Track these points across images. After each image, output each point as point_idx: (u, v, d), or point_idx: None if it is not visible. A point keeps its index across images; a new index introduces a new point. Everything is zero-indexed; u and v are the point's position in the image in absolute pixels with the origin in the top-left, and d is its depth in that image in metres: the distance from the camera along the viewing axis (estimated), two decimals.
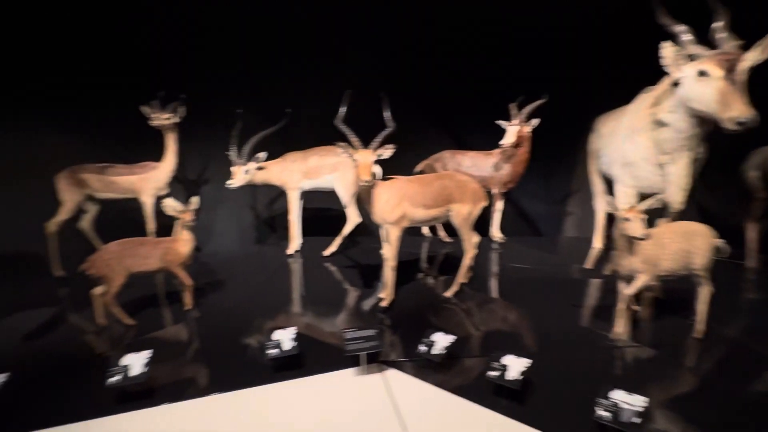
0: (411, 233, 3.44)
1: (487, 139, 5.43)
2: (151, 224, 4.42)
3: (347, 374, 2.71)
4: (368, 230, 5.47)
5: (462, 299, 3.66)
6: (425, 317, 3.43)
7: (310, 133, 5.02)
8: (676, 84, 3.00)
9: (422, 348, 2.67)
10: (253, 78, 5.24)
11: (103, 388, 2.40)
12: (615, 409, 1.93)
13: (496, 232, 5.08)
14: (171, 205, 3.26)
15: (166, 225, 4.51)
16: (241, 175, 4.27)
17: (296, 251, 4.83)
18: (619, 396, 1.97)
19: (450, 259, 4.72)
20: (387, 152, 3.07)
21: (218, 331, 3.26)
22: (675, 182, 3.33)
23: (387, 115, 3.23)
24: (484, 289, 3.96)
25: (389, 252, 3.42)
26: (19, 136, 4.72)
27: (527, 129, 4.46)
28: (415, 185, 3.30)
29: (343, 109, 3.24)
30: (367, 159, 2.98)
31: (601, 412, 1.95)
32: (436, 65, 5.65)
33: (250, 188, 6.03)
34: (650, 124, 3.38)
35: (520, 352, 2.45)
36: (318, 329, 3.27)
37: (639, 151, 3.53)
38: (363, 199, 3.21)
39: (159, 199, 4.45)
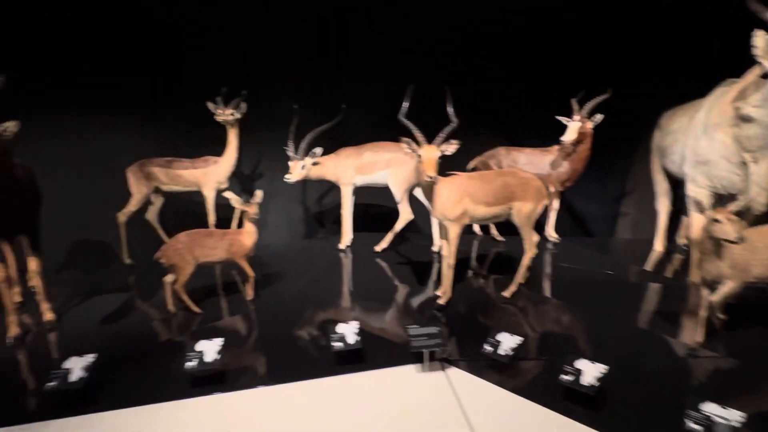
0: (463, 231, 3.39)
1: (542, 135, 5.29)
2: (212, 216, 4.59)
3: (409, 370, 2.71)
4: (419, 227, 5.46)
5: (520, 300, 3.58)
6: (484, 317, 3.38)
7: (364, 128, 5.06)
8: (766, 76, 2.80)
9: (487, 348, 2.63)
10: (308, 74, 5.30)
11: (180, 371, 2.52)
12: (708, 422, 1.83)
13: (551, 231, 4.94)
14: (236, 199, 3.37)
15: (224, 218, 4.71)
16: (298, 170, 4.35)
17: (347, 246, 4.88)
18: (712, 409, 1.86)
19: (502, 258, 4.62)
20: (451, 148, 3.04)
21: (278, 322, 3.35)
22: (759, 182, 3.12)
23: (450, 110, 3.20)
24: (541, 289, 3.85)
25: (447, 249, 3.39)
26: (95, 133, 5.00)
27: (590, 125, 4.30)
28: (477, 182, 3.25)
29: (406, 104, 3.23)
30: (431, 155, 2.96)
31: (693, 426, 1.84)
32: (486, 58, 5.54)
33: (300, 183, 6.15)
34: (732, 120, 3.17)
35: (593, 358, 2.36)
36: (375, 324, 3.28)
37: (716, 148, 3.33)
38: (426, 196, 3.19)
39: (219, 193, 4.65)
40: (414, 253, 4.78)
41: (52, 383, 2.33)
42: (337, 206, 6.17)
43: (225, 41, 5.17)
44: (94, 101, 4.92)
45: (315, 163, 4.47)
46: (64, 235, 4.87)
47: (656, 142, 4.60)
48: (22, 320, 3.35)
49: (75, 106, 4.91)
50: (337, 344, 2.71)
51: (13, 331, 3.03)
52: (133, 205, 4.47)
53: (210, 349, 2.58)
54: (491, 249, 4.87)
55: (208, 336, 2.70)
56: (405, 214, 4.63)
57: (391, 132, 4.77)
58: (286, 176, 4.35)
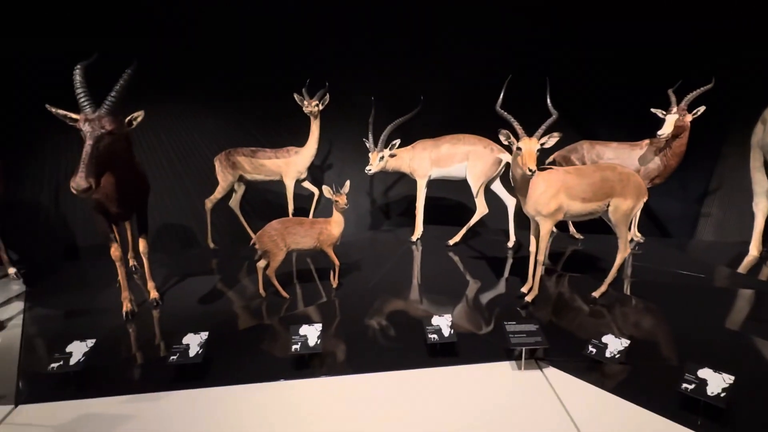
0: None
1: (626, 128, 5.02)
2: (291, 205, 4.74)
3: (503, 367, 2.68)
4: (490, 222, 5.36)
5: (609, 300, 3.45)
6: (573, 317, 3.28)
7: (439, 121, 5.02)
8: None
9: (591, 349, 2.55)
10: (384, 65, 5.30)
11: (287, 353, 2.63)
12: None
13: (635, 231, 4.71)
14: (327, 189, 3.44)
15: (299, 207, 4.85)
16: (377, 161, 4.38)
17: (417, 239, 4.89)
18: None
19: (580, 256, 4.47)
20: (551, 140, 2.95)
21: (364, 310, 3.40)
22: None
23: (549, 102, 3.09)
24: (629, 291, 3.69)
25: (535, 246, 3.30)
26: (185, 124, 5.30)
27: (689, 118, 4.03)
28: (574, 177, 3.13)
29: (501, 95, 3.15)
30: (531, 147, 2.88)
31: None
32: (569, 47, 5.32)
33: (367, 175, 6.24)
34: None
35: (707, 365, 2.23)
36: (460, 319, 3.27)
37: None
38: (518, 189, 3.12)
39: (298, 182, 4.78)
40: (487, 248, 4.71)
41: (174, 357, 2.49)
42: (403, 198, 6.24)
43: (303, 34, 5.26)
44: (187, 96, 5.18)
45: (392, 155, 4.49)
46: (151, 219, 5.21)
47: (759, 137, 4.25)
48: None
49: (168, 98, 5.19)
50: (432, 336, 2.72)
51: (127, 306, 3.27)
52: (219, 192, 4.69)
53: (312, 334, 2.67)
54: (569, 247, 4.72)
55: (299, 321, 2.79)
56: (481, 208, 4.57)
57: (469, 124, 4.75)
58: (367, 168, 4.39)
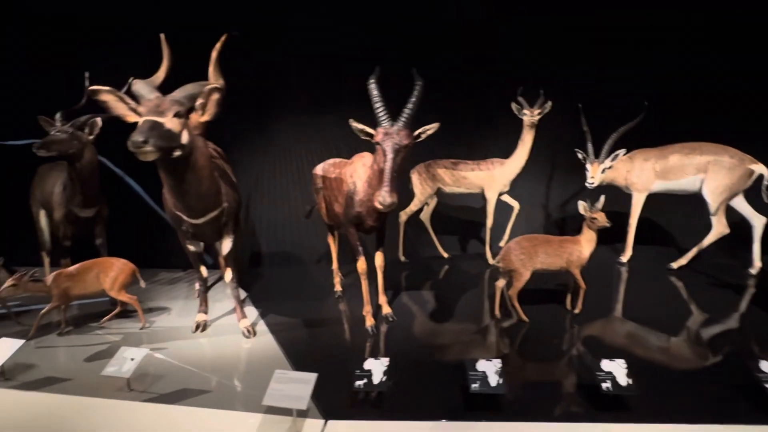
0: None
1: None
2: (490, 220, 4.52)
3: None
4: (728, 244, 4.62)
5: None
6: None
7: (652, 128, 4.48)
8: None
9: None
10: (592, 70, 4.86)
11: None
12: None
13: None
14: (583, 206, 3.13)
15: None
16: (598, 173, 3.99)
17: (626, 260, 4.38)
18: None
19: None
20: None
21: (609, 342, 3.01)
22: None
23: None
24: None
25: None
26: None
27: None
28: None
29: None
30: None
31: None
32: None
33: (539, 186, 5.83)
34: None
35: None
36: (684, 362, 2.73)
37: None
38: None
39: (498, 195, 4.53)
40: (721, 273, 4.05)
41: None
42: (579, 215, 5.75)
43: (515, 38, 4.91)
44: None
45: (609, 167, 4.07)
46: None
47: None
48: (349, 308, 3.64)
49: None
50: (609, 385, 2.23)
51: (371, 321, 3.23)
52: (414, 205, 4.61)
53: (490, 370, 2.34)
54: None
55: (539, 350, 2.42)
56: (719, 227, 3.95)
57: (697, 132, 4.18)
58: (588, 181, 4.02)
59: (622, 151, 3.97)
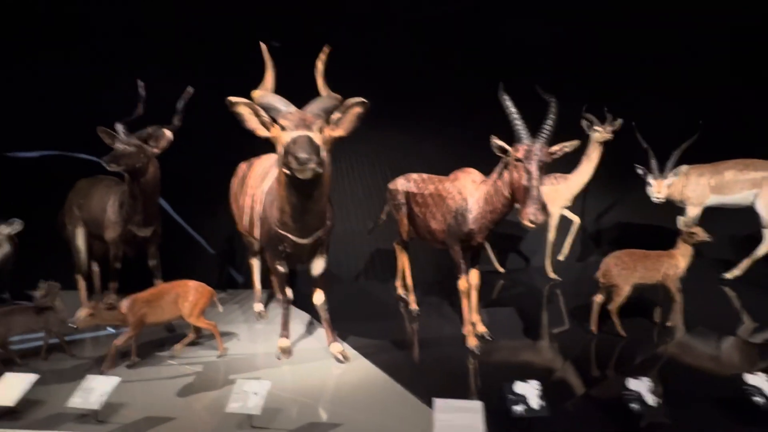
0: None
1: None
2: (552, 235, 4.55)
3: None
4: None
5: None
6: None
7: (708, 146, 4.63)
8: None
9: None
10: (644, 86, 5.00)
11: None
12: None
13: None
14: (682, 220, 3.21)
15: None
16: (664, 188, 4.12)
17: None
18: None
19: None
20: None
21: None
22: None
23: None
24: None
25: None
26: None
27: None
28: None
29: None
30: None
31: None
32: None
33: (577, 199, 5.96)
34: None
35: None
36: None
37: None
38: None
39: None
40: None
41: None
42: (615, 226, 5.91)
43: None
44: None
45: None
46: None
47: None
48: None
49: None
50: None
51: (474, 341, 3.13)
52: None
53: (644, 389, 2.31)
54: None
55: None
56: None
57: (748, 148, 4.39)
58: (654, 196, 4.13)
59: (685, 167, 4.12)
